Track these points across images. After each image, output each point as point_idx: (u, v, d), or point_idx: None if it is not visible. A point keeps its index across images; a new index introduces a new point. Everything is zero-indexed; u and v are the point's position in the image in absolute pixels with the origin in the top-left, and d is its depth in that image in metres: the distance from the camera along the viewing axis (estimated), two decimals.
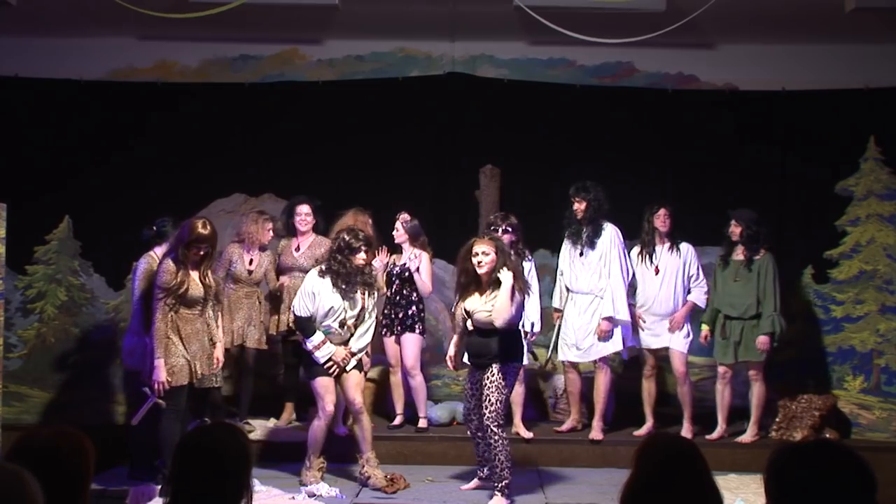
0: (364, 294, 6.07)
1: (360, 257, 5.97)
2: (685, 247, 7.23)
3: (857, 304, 7.87)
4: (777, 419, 7.39)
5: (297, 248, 7.26)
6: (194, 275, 5.80)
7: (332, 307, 5.98)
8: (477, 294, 5.81)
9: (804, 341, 7.98)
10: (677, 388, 7.28)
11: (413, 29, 8.32)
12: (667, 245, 7.21)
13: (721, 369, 7.23)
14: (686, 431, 7.01)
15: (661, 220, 7.19)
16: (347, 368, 6.10)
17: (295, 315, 6.17)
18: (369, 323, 6.18)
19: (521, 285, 5.77)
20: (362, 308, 6.08)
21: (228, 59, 8.60)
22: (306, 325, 6.05)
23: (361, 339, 6.15)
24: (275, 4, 7.57)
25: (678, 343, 7.18)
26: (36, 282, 8.24)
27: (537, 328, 7.11)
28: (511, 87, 8.44)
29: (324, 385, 6.07)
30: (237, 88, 8.46)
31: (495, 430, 5.75)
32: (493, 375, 5.77)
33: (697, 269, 7.24)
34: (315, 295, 5.98)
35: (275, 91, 8.45)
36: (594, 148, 8.18)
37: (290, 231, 7.33)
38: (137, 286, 6.38)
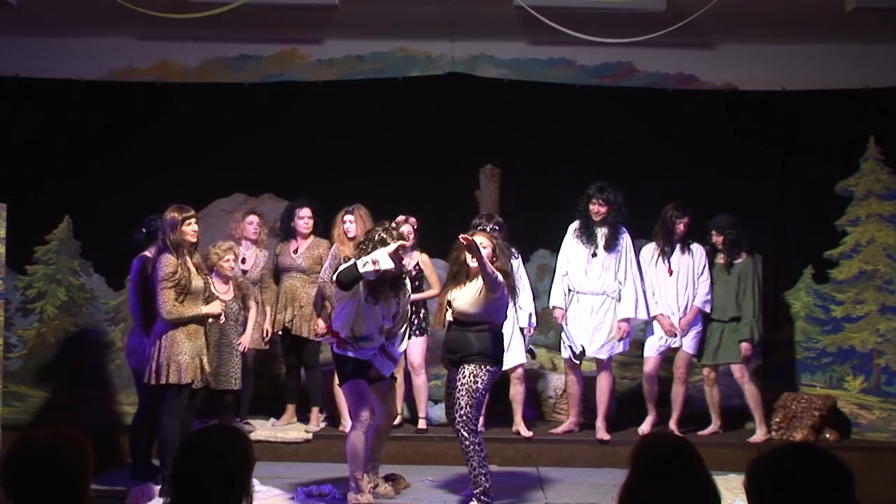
0: (396, 299, 5.71)
1: (399, 258, 5.55)
2: (696, 247, 7.30)
3: (857, 304, 7.86)
4: (777, 419, 7.39)
5: (296, 250, 7.27)
6: (192, 266, 5.82)
7: (368, 308, 5.57)
8: (461, 285, 5.68)
9: (804, 341, 7.98)
10: (672, 387, 7.29)
11: (413, 29, 8.32)
12: (679, 246, 7.28)
13: (705, 371, 7.37)
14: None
15: (682, 225, 7.25)
16: (386, 375, 5.83)
17: (337, 280, 5.45)
18: (404, 328, 5.87)
19: (510, 283, 5.66)
20: (397, 312, 5.73)
21: (228, 59, 8.59)
22: (349, 272, 5.37)
23: (399, 347, 5.87)
24: (275, 4, 7.57)
25: (688, 345, 7.27)
26: (36, 282, 8.23)
27: (534, 320, 7.16)
28: (511, 87, 8.43)
29: (357, 388, 5.66)
30: (237, 88, 8.45)
31: (465, 434, 5.55)
32: (464, 377, 5.58)
33: (704, 269, 7.27)
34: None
35: (275, 91, 8.45)
36: (594, 148, 8.18)
37: (289, 233, 7.34)
38: (133, 288, 6.40)
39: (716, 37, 8.29)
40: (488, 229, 6.69)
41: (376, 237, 5.60)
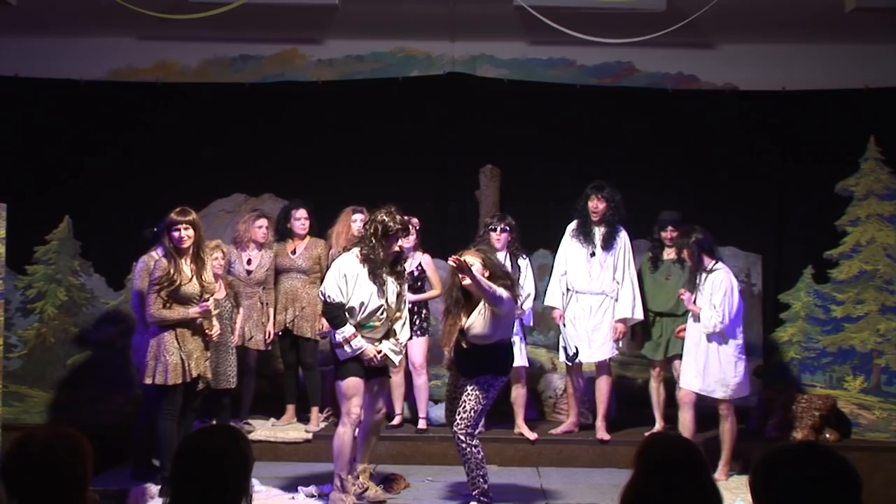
0: (397, 283, 5.72)
1: (397, 244, 5.61)
2: (712, 277, 6.41)
3: (857, 304, 7.86)
4: (777, 419, 7.39)
5: (294, 251, 7.28)
6: (187, 271, 5.80)
7: (371, 294, 5.56)
8: (468, 312, 5.65)
9: (804, 341, 7.98)
10: (720, 425, 6.54)
11: (413, 29, 8.32)
12: (699, 275, 6.48)
13: (655, 368, 7.17)
14: (721, 474, 6.39)
15: (687, 255, 6.55)
16: (390, 368, 5.84)
17: (325, 301, 5.61)
18: (405, 315, 5.84)
19: (513, 294, 5.65)
20: (399, 296, 5.73)
21: (228, 59, 8.60)
22: (337, 314, 5.54)
23: (403, 332, 5.82)
24: (275, 4, 7.56)
25: (715, 389, 6.44)
26: (36, 282, 8.23)
27: (531, 320, 7.21)
28: (511, 86, 8.43)
29: (354, 386, 5.59)
30: (237, 88, 8.46)
31: (462, 438, 5.58)
32: (477, 385, 5.63)
33: (723, 297, 6.34)
34: (349, 279, 5.53)
35: (275, 91, 8.45)
36: (594, 148, 8.18)
37: (286, 234, 7.34)
38: (136, 285, 6.41)
39: (716, 37, 8.29)
40: (498, 229, 6.79)
41: (378, 218, 5.61)
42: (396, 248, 5.65)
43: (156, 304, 5.74)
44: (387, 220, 5.57)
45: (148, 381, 5.79)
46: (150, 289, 5.78)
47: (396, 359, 5.79)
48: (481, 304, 5.57)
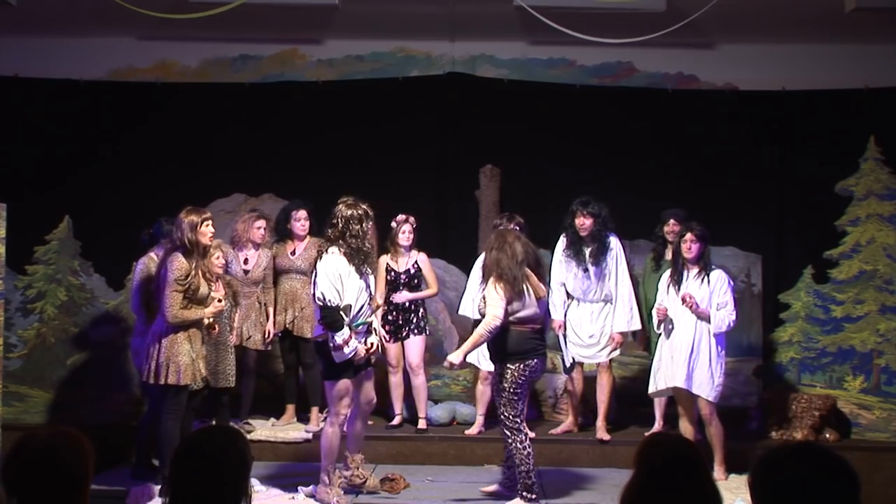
0: (370, 269, 5.78)
1: (372, 226, 5.72)
2: (715, 275, 6.38)
3: (857, 304, 7.87)
4: (777, 419, 7.38)
5: (294, 252, 7.27)
6: (200, 271, 5.81)
7: (360, 289, 5.61)
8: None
9: (804, 341, 7.99)
10: (705, 429, 6.47)
11: (413, 29, 8.32)
12: (694, 272, 6.43)
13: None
14: (719, 474, 6.37)
15: (686, 246, 6.39)
16: (373, 360, 5.92)
17: (323, 305, 5.53)
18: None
19: (518, 287, 5.63)
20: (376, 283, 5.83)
21: (228, 59, 8.60)
22: (336, 317, 5.50)
23: (377, 322, 5.91)
24: (275, 4, 7.57)
25: (705, 390, 6.37)
26: (36, 282, 8.23)
27: None
28: (511, 86, 8.44)
29: (345, 388, 5.67)
30: (237, 88, 8.46)
31: (507, 433, 5.69)
32: (495, 378, 5.75)
33: (731, 294, 6.39)
34: (343, 279, 5.54)
35: (275, 91, 8.45)
36: (594, 148, 8.18)
37: (286, 235, 7.34)
38: (137, 288, 6.38)
39: (716, 37, 8.29)
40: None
41: (354, 213, 5.67)
42: (371, 231, 5.74)
43: (176, 304, 5.69)
44: (364, 207, 5.70)
45: (161, 381, 5.75)
46: (169, 288, 5.69)
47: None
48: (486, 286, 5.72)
